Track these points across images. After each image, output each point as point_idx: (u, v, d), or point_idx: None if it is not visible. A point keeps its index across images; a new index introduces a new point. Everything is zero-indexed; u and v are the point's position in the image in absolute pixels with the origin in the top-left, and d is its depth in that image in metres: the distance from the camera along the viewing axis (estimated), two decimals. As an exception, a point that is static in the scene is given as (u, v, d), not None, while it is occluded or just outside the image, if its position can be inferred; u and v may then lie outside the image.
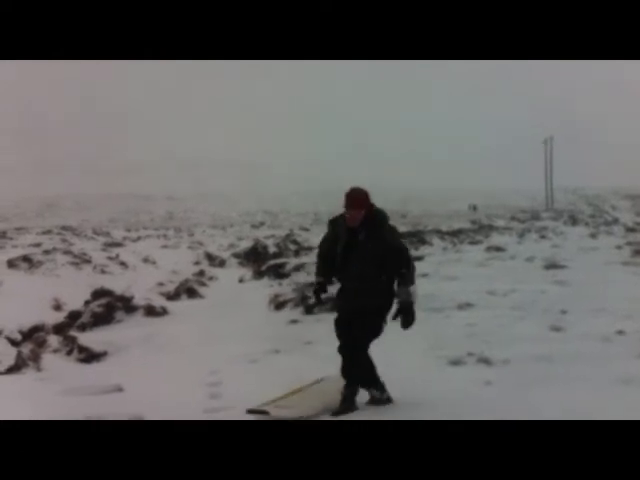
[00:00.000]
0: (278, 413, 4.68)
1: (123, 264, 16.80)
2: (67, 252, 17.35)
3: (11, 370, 7.01)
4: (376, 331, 4.85)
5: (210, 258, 20.04)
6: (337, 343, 4.96)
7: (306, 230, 35.69)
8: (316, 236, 24.53)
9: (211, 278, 15.11)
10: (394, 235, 4.86)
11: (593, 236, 20.37)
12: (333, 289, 5.23)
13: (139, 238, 30.61)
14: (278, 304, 10.34)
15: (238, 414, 4.69)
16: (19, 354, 7.29)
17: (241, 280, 14.95)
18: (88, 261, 16.13)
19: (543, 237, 21.12)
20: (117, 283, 11.95)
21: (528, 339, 6.94)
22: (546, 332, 7.33)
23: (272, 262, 15.57)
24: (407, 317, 4.72)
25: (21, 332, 8.52)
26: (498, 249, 16.59)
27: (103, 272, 15.18)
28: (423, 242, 20.27)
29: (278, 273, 14.28)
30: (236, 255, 20.41)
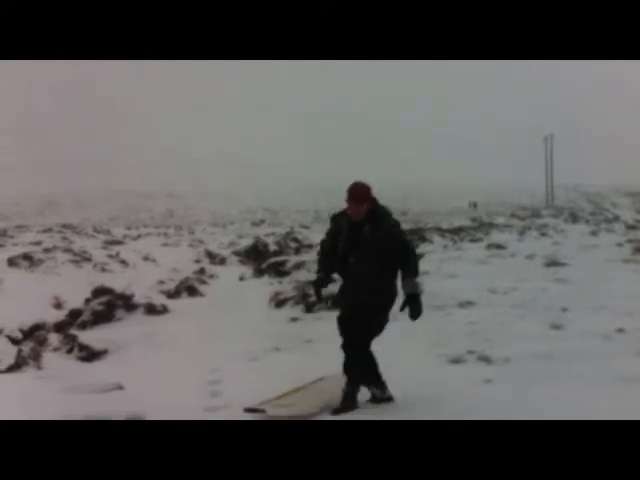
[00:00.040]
0: (276, 412, 4.67)
1: (123, 262, 16.80)
2: (67, 250, 17.34)
3: (11, 369, 7.01)
4: (378, 328, 4.86)
5: (210, 256, 20.04)
6: (338, 341, 4.95)
7: (306, 228, 35.68)
8: (316, 234, 24.53)
9: (211, 276, 15.11)
10: (398, 228, 4.86)
11: (594, 234, 20.35)
12: (334, 287, 5.23)
13: (139, 236, 30.61)
14: (278, 302, 10.34)
15: (238, 412, 4.69)
16: (19, 352, 7.29)
17: (241, 278, 14.96)
18: (88, 259, 16.12)
19: (543, 235, 21.09)
20: (117, 281, 11.95)
21: (529, 337, 6.94)
22: (546, 330, 7.33)
23: (272, 260, 15.57)
24: (415, 308, 4.71)
25: (21, 330, 8.52)
26: (498, 247, 16.58)
27: (103, 270, 15.19)
28: (423, 240, 20.26)
29: (278, 271, 14.28)
30: (236, 253, 20.42)
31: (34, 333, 8.48)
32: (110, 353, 7.86)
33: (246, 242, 23.59)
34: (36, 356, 7.45)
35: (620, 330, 6.94)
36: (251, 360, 6.86)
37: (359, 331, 4.80)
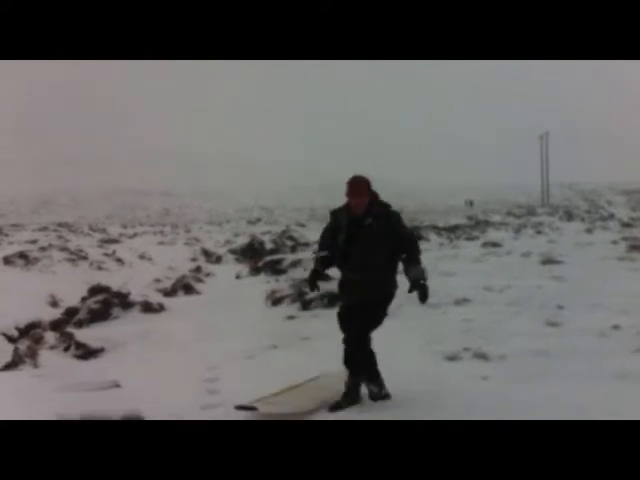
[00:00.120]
0: (267, 409, 4.66)
1: (119, 260, 16.79)
2: (63, 249, 17.32)
3: (8, 367, 7.00)
4: (377, 321, 4.88)
5: (207, 254, 20.05)
6: (335, 339, 4.97)
7: (302, 226, 35.67)
8: (312, 232, 24.54)
9: (208, 274, 15.12)
10: (399, 219, 4.89)
11: (589, 231, 20.39)
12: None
13: (135, 234, 30.59)
14: (275, 300, 10.35)
15: (235, 411, 4.69)
16: (16, 351, 7.28)
17: (238, 276, 14.96)
18: (84, 258, 16.10)
19: (539, 232, 21.13)
20: (114, 279, 11.95)
21: (524, 334, 6.96)
22: (542, 327, 7.35)
23: (269, 258, 15.58)
24: (422, 292, 4.73)
25: (18, 329, 8.50)
26: (494, 245, 16.61)
27: (100, 268, 15.17)
28: (420, 238, 20.25)
29: (275, 269, 14.29)
30: (233, 251, 20.42)
31: (30, 331, 8.46)
32: (107, 351, 7.85)
33: (242, 240, 23.60)
34: (32, 354, 7.44)
35: (616, 327, 6.97)
36: (248, 358, 6.86)
37: (360, 325, 4.81)
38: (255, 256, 17.96)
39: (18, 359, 7.17)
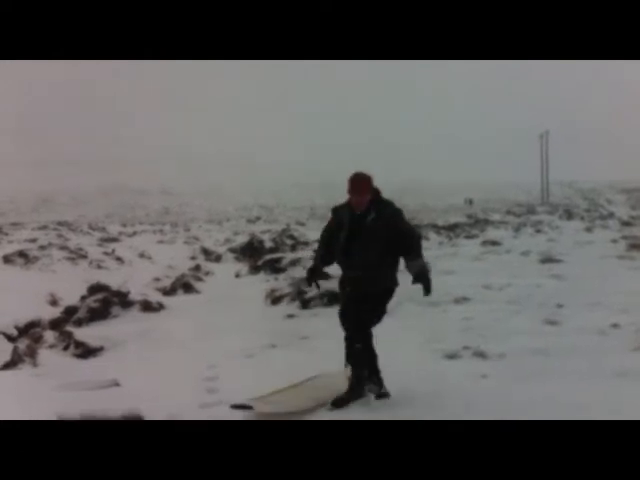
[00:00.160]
0: (264, 408, 4.64)
1: (119, 259, 16.80)
2: (63, 247, 17.33)
3: (7, 366, 6.99)
4: (377, 316, 4.89)
5: (206, 253, 20.05)
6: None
7: (302, 225, 35.69)
8: (312, 231, 24.55)
9: (207, 273, 15.12)
10: (401, 215, 4.89)
11: (588, 230, 20.41)
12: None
13: (135, 233, 30.60)
14: (274, 299, 10.35)
15: (234, 410, 4.69)
16: (15, 349, 7.27)
17: (237, 275, 14.96)
18: (84, 256, 16.11)
19: (539, 231, 21.15)
20: (113, 278, 11.94)
21: (524, 333, 6.96)
22: (542, 326, 7.35)
23: (268, 257, 15.58)
24: (426, 284, 4.72)
25: (17, 327, 8.50)
26: (494, 243, 16.63)
27: (99, 267, 15.18)
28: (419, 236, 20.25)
29: (274, 268, 14.29)
30: (232, 250, 20.42)
31: (30, 330, 8.45)
32: (106, 350, 7.85)
33: (242, 239, 23.60)
34: (32, 353, 7.43)
35: (615, 326, 6.97)
36: (247, 357, 6.86)
37: (359, 319, 4.81)
38: (255, 255, 17.95)
39: (17, 358, 7.17)
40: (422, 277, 4.72)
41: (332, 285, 8.68)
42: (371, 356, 4.90)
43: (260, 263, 15.12)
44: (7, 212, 72.77)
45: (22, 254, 14.89)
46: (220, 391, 5.46)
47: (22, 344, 7.64)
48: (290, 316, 9.28)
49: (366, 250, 4.76)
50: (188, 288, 12.53)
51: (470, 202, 62.65)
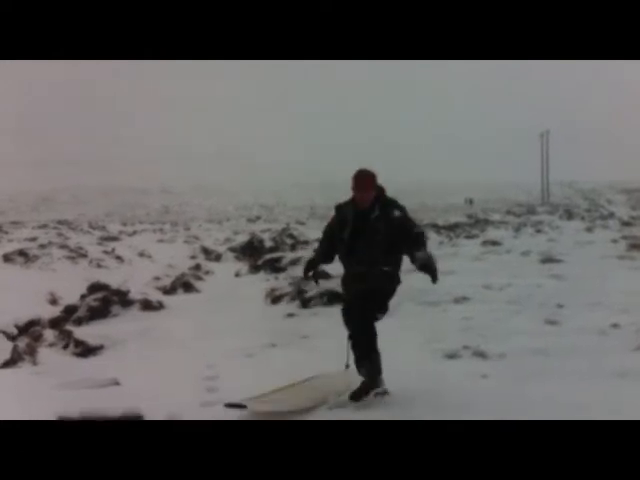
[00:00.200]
0: (261, 408, 4.63)
1: (119, 258, 16.81)
2: (63, 246, 17.33)
3: (7, 364, 7.00)
4: (380, 311, 4.88)
5: (206, 252, 20.06)
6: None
7: (302, 224, 35.68)
8: (312, 230, 24.55)
9: (207, 272, 15.13)
10: (405, 212, 4.89)
11: (589, 230, 20.39)
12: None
13: (135, 232, 30.58)
14: (274, 298, 10.35)
15: (234, 410, 4.68)
16: (15, 348, 7.28)
17: (237, 274, 14.96)
18: (84, 255, 16.11)
19: (539, 231, 21.13)
20: (113, 277, 11.95)
21: (524, 333, 6.96)
22: (542, 326, 7.35)
23: (268, 256, 15.59)
24: (433, 273, 4.71)
25: (17, 326, 8.51)
26: (494, 243, 16.61)
27: (99, 266, 15.18)
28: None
29: (274, 267, 14.30)
30: (232, 249, 20.43)
31: (29, 329, 8.47)
32: (106, 349, 7.85)
33: (242, 238, 23.61)
34: (32, 352, 7.44)
35: (615, 326, 6.96)
36: (247, 356, 6.86)
37: (361, 314, 4.80)
38: (255, 254, 17.96)
39: (17, 356, 7.17)
40: (429, 266, 4.71)
41: (332, 284, 8.68)
42: (375, 354, 4.89)
43: (260, 262, 15.13)
44: (7, 211, 72.79)
45: (22, 253, 14.90)
46: (220, 390, 5.46)
47: (22, 343, 7.65)
48: (290, 315, 9.28)
49: (370, 247, 4.75)
50: (188, 287, 12.54)
51: (470, 202, 62.63)
